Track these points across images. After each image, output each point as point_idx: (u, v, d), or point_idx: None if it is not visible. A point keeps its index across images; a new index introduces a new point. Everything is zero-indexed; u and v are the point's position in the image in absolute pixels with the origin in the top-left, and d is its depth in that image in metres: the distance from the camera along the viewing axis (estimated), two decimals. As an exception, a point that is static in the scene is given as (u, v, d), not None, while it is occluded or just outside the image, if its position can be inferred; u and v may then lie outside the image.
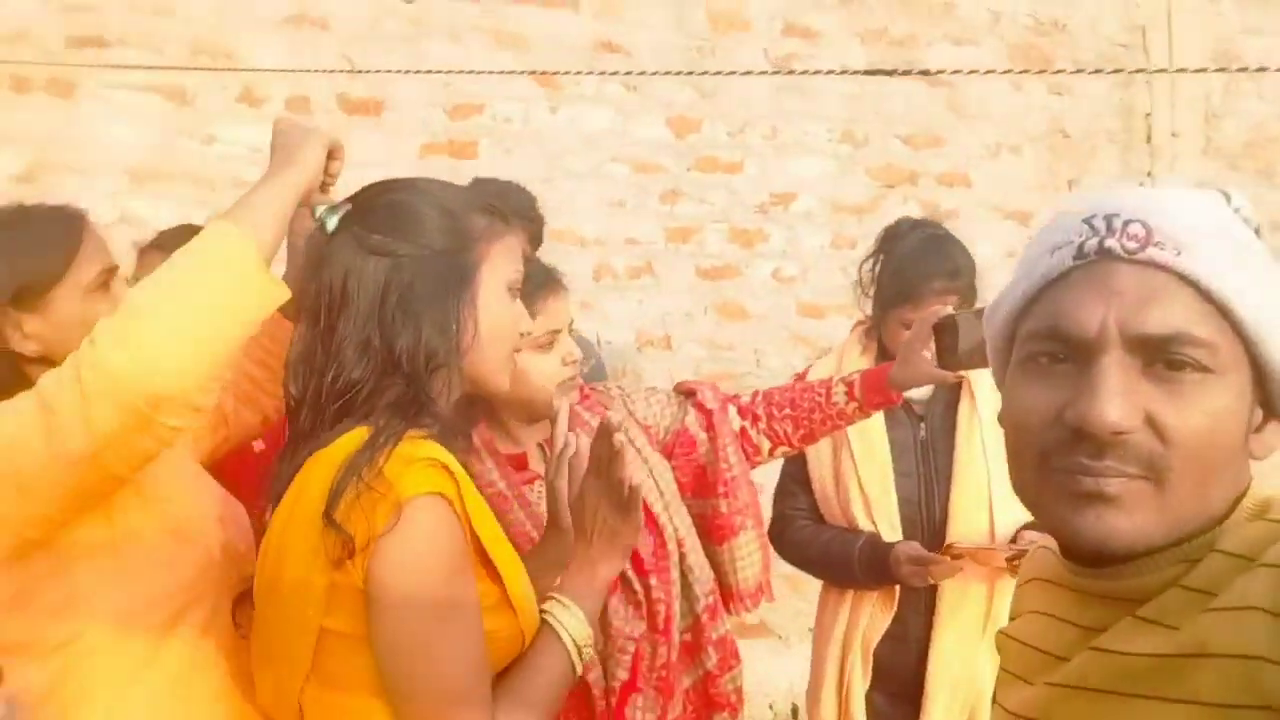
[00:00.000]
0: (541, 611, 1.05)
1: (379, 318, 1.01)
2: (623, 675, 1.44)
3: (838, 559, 1.84)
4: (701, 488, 1.64)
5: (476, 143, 2.85)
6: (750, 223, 3.08)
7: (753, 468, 1.69)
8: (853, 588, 1.87)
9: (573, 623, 1.04)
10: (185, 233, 1.48)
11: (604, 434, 1.11)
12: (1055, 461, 0.67)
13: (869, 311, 1.93)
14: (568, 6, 2.90)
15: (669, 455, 1.63)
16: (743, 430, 1.67)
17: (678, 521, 1.56)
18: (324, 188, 1.16)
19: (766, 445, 1.68)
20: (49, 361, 1.15)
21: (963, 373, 1.67)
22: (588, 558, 1.08)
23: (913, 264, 1.82)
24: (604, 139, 2.94)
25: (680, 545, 1.55)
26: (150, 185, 2.63)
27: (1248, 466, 0.70)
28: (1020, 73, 3.28)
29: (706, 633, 1.55)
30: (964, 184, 3.29)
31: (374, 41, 2.76)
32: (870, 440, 1.86)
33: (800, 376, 1.93)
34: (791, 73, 2.97)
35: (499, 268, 1.08)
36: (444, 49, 2.81)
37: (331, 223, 1.06)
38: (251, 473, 1.38)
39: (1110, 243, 0.67)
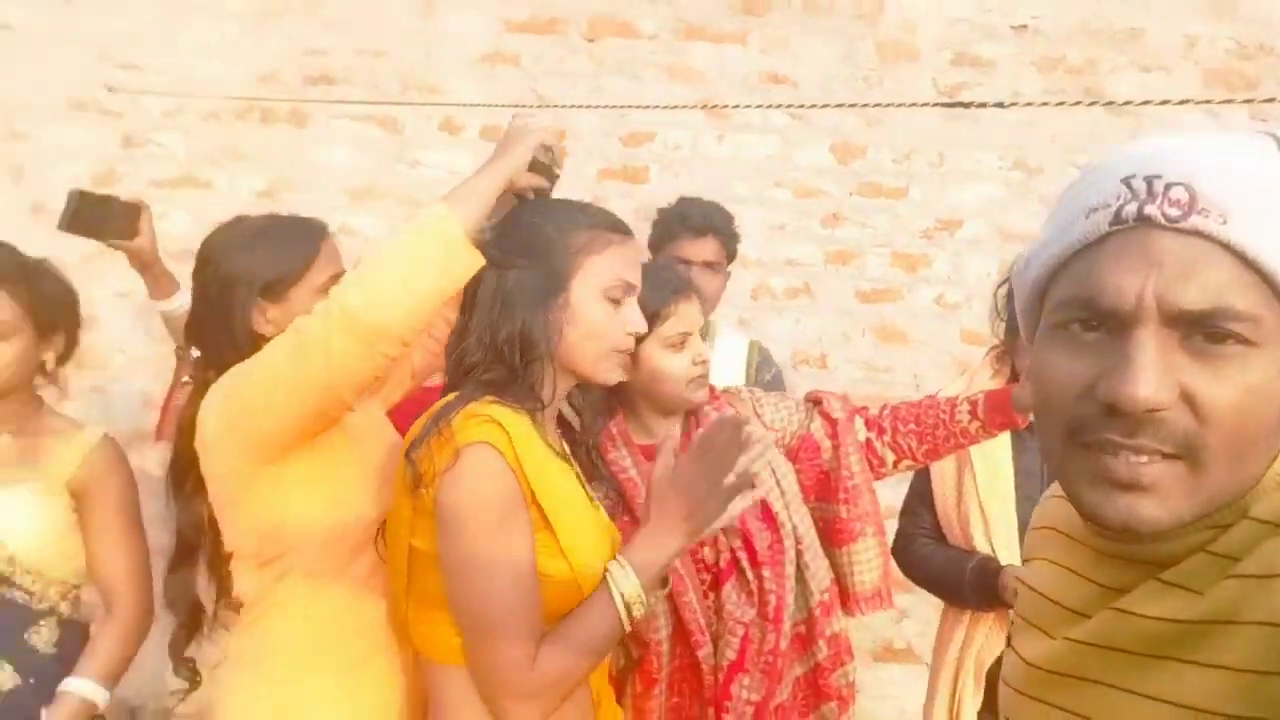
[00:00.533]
0: (605, 570, 1.20)
1: (490, 318, 1.24)
2: (731, 655, 1.56)
3: (950, 579, 1.88)
4: (824, 492, 1.74)
5: (648, 168, 3.06)
6: (914, 248, 3.12)
7: (878, 479, 1.76)
8: (966, 608, 1.89)
9: (626, 582, 1.18)
10: None
11: (723, 424, 1.23)
12: (1085, 436, 0.64)
13: (1002, 336, 1.96)
14: (737, 41, 3.06)
15: (793, 459, 1.74)
16: (868, 442, 1.74)
17: (796, 520, 1.66)
18: (548, 173, 1.36)
19: (891, 458, 1.75)
20: None
21: None
22: (660, 526, 1.21)
23: None
24: (768, 165, 3.07)
25: (798, 543, 1.65)
26: (364, 202, 3.00)
27: None
28: (1222, 102, 3.14)
29: (819, 627, 1.64)
30: (1146, 214, 3.16)
31: (559, 77, 3.03)
32: (994, 463, 1.89)
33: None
34: (959, 104, 2.99)
35: (593, 276, 1.25)
36: (621, 83, 3.04)
37: (487, 235, 1.29)
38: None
39: (1150, 209, 0.62)
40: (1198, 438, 0.62)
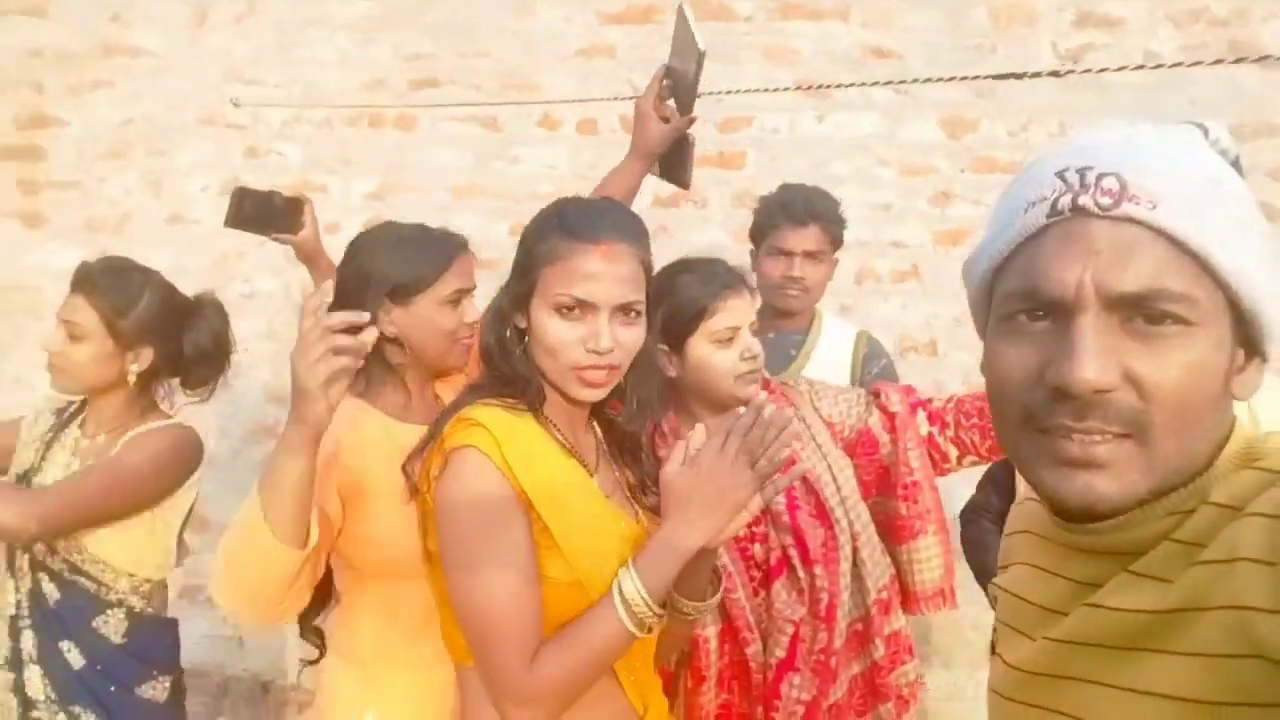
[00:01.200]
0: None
1: (488, 324, 1.29)
2: (780, 653, 1.52)
3: (992, 573, 1.78)
4: (884, 488, 1.67)
5: (744, 153, 3.00)
6: (1031, 225, 2.92)
7: (941, 475, 1.67)
8: None
9: (627, 584, 1.13)
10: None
11: (745, 413, 1.17)
12: (1039, 423, 0.67)
13: None
14: (837, 17, 2.95)
15: (851, 453, 1.67)
16: (930, 436, 1.65)
17: (853, 517, 1.61)
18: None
19: (954, 453, 1.65)
20: (397, 343, 1.54)
21: None
22: (673, 526, 1.15)
23: None
24: (871, 143, 2.95)
25: (854, 540, 1.59)
26: (467, 199, 3.09)
27: (1230, 408, 0.69)
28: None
29: (876, 625, 1.58)
30: (1303, 177, 2.85)
31: (654, 65, 3.01)
32: None
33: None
34: (1087, 71, 2.78)
35: (546, 289, 1.23)
36: (716, 68, 2.98)
37: None
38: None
39: (1084, 200, 0.66)
40: (1144, 415, 0.65)
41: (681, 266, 1.64)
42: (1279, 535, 0.60)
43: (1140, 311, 0.64)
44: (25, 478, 1.78)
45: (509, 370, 1.26)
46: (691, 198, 3.01)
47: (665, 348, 1.60)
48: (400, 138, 3.11)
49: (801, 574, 1.54)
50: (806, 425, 1.66)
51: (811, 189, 2.27)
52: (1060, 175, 0.68)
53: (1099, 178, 0.66)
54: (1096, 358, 0.64)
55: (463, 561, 1.14)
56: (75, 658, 1.68)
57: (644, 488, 1.36)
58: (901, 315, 2.96)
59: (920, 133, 2.95)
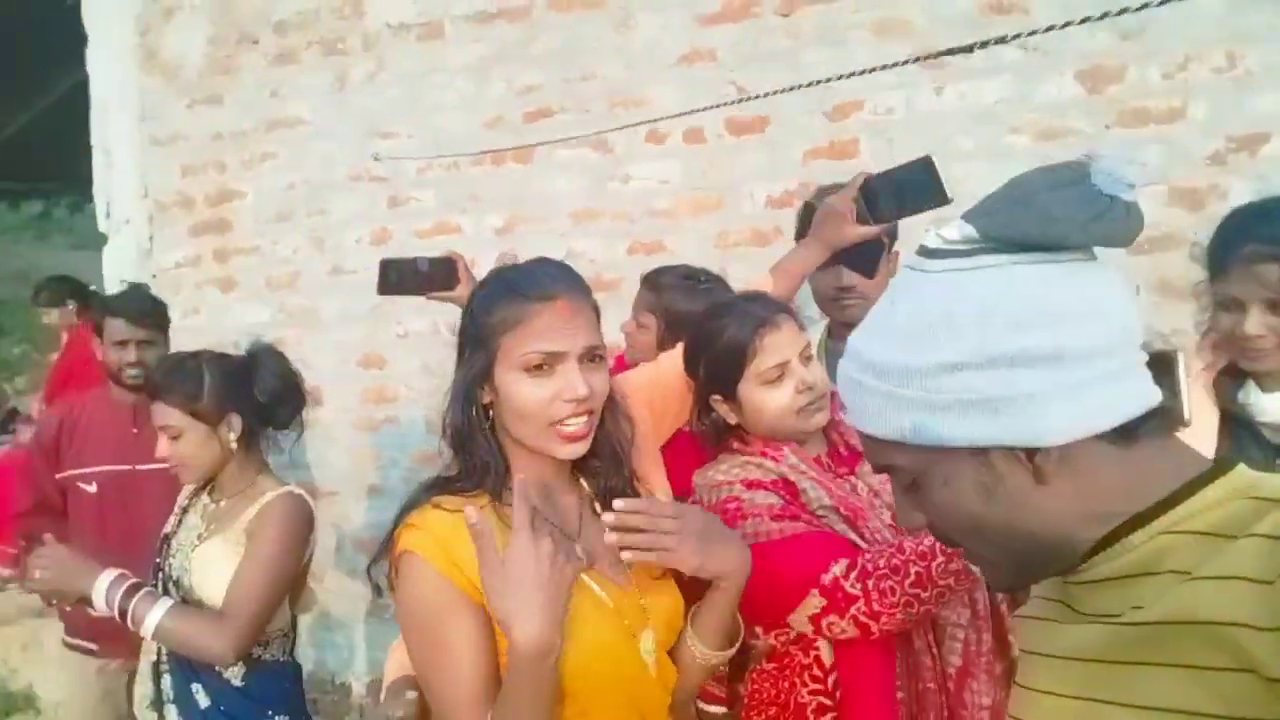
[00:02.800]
0: None
1: (447, 407, 1.29)
2: (956, 661, 1.48)
3: None
4: None
5: (857, 140, 2.82)
6: (1201, 179, 2.52)
7: None
8: None
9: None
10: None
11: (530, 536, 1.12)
12: None
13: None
14: (948, -24, 2.69)
15: None
16: None
17: None
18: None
19: None
20: None
21: None
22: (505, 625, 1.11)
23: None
24: (999, 111, 2.67)
25: None
26: (585, 224, 3.13)
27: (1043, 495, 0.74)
28: None
29: (1006, 622, 1.51)
30: None
31: (756, 61, 2.90)
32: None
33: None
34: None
35: (512, 353, 1.22)
36: (822, 53, 2.82)
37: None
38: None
39: None
40: (943, 536, 0.85)
41: (715, 311, 1.61)
42: (1276, 556, 0.63)
43: (891, 478, 0.82)
44: (167, 540, 2.04)
45: (472, 459, 1.26)
46: (806, 194, 2.88)
47: (719, 397, 1.57)
48: (521, 171, 3.20)
49: None
50: None
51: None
52: None
53: None
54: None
55: (417, 660, 1.20)
56: (203, 698, 1.90)
57: None
58: (1049, 297, 2.66)
59: (1056, 92, 2.63)
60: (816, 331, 2.20)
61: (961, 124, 2.71)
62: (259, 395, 1.99)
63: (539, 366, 1.22)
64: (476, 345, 1.26)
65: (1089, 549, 0.74)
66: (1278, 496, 0.68)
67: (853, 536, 1.46)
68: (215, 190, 3.64)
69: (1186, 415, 1.11)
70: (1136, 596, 0.71)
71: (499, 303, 1.25)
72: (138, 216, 3.75)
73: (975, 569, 1.17)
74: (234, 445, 1.95)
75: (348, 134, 3.41)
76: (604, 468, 1.35)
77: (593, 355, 1.26)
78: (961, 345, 0.71)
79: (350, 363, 3.43)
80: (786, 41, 2.87)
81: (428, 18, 3.30)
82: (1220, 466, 0.74)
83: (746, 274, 2.81)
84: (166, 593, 1.95)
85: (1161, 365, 1.31)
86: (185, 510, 2.07)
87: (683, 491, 1.61)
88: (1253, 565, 0.64)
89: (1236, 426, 1.52)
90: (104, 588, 1.83)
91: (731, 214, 2.96)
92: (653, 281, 2.20)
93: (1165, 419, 0.76)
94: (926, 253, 0.77)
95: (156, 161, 3.72)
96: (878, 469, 0.82)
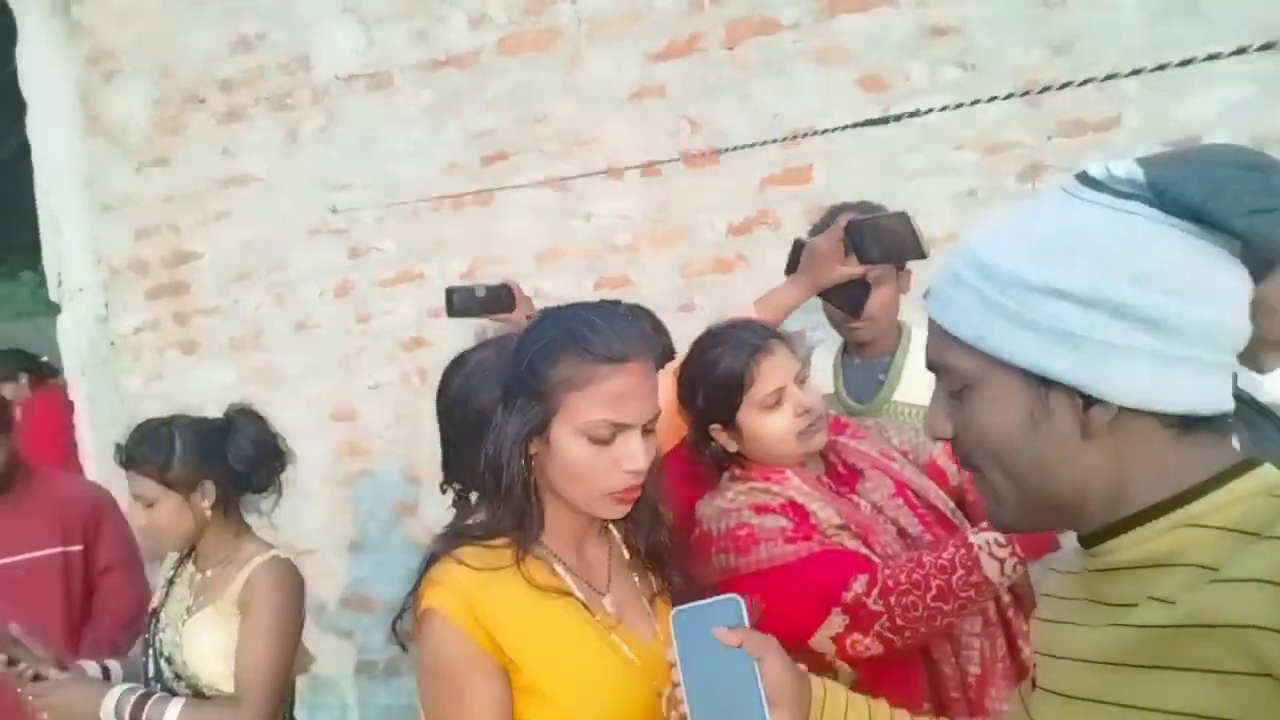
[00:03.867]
0: None
1: (484, 448, 1.22)
2: (975, 670, 1.50)
3: None
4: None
5: (811, 165, 2.89)
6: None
7: None
8: None
9: None
10: None
11: None
12: None
13: None
14: (886, 4, 2.78)
15: None
16: None
17: (960, 518, 1.63)
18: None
19: None
20: None
21: None
22: None
23: None
24: (943, 128, 2.77)
25: None
26: (549, 263, 3.16)
27: (1085, 450, 0.75)
28: None
29: (1014, 626, 1.54)
30: None
31: (705, 94, 2.97)
32: None
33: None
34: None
35: (574, 415, 1.17)
36: (769, 82, 2.90)
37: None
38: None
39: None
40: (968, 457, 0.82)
41: (709, 341, 1.63)
42: None
43: (939, 378, 0.83)
44: (155, 614, 2.01)
45: (506, 510, 1.22)
46: (765, 221, 2.95)
47: (718, 425, 1.60)
48: (481, 214, 3.23)
49: None
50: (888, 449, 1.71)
51: (855, 207, 2.16)
52: None
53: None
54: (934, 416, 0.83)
55: (436, 709, 1.19)
56: None
57: (669, 592, 1.33)
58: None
59: (995, 107, 2.73)
60: (824, 351, 2.25)
61: (909, 143, 2.80)
62: (233, 462, 1.96)
63: (602, 437, 1.17)
64: (533, 397, 1.18)
65: (1099, 526, 0.75)
66: None
67: (865, 553, 1.48)
68: (170, 252, 3.61)
69: None
70: (1154, 587, 0.71)
71: (564, 357, 1.17)
72: (91, 284, 3.70)
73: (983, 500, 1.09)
74: (208, 513, 1.93)
75: (303, 188, 3.40)
76: (643, 520, 1.31)
77: (653, 423, 1.21)
78: (1076, 276, 0.71)
79: (321, 417, 3.41)
80: (733, 73, 2.95)
81: (375, 68, 3.32)
82: (1248, 462, 0.74)
83: (713, 303, 2.88)
84: (158, 669, 1.92)
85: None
86: (171, 582, 2.04)
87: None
88: (1270, 568, 0.64)
89: (1252, 415, 1.57)
90: (112, 705, 1.81)
91: (694, 244, 3.01)
92: None
93: (1225, 428, 0.76)
94: (1086, 180, 0.75)
95: (107, 227, 3.68)
96: (931, 366, 0.82)
